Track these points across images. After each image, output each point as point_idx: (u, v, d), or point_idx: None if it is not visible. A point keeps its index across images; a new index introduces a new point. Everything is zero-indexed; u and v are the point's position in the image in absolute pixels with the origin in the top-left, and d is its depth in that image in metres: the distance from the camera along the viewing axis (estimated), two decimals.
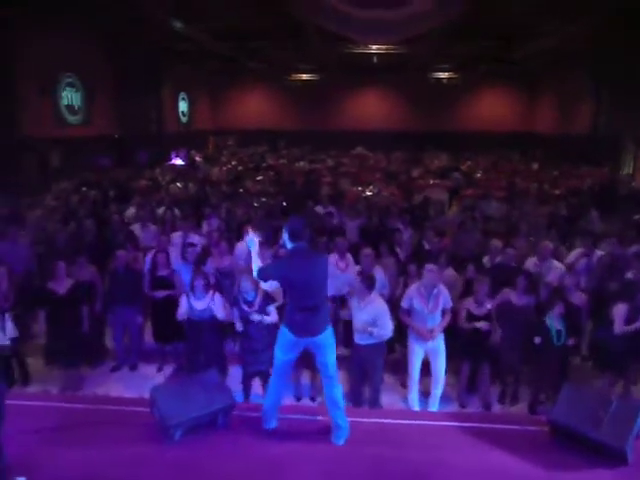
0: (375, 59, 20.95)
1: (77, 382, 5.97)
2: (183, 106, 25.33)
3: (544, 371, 5.42)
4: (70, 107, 16.17)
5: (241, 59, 21.14)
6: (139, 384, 5.99)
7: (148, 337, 6.65)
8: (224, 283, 6.40)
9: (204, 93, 28.41)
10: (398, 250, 7.09)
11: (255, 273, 3.92)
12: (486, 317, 5.45)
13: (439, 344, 5.31)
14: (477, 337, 5.43)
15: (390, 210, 9.20)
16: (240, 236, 7.98)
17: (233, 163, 20.47)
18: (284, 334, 3.87)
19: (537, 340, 5.33)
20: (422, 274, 5.33)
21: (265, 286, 4.20)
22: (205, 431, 3.93)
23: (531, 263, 6.53)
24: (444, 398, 5.59)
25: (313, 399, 5.77)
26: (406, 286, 5.59)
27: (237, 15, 14.61)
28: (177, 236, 7.61)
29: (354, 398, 5.35)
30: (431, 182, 15.34)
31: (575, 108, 21.76)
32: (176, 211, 9.35)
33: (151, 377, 6.21)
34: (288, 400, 5.62)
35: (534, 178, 16.07)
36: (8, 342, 5.39)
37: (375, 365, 5.23)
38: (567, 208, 10.40)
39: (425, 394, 5.58)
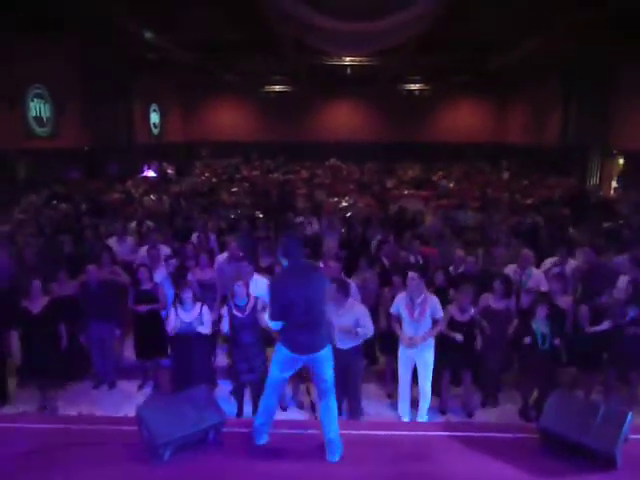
0: (348, 70, 21.13)
1: (52, 402, 5.75)
2: (155, 118, 25.05)
3: (531, 375, 5.50)
4: (38, 119, 15.80)
5: (214, 70, 21.07)
6: (118, 402, 5.84)
7: (129, 353, 6.48)
8: (206, 296, 6.30)
9: (176, 105, 28.17)
10: (385, 260, 7.09)
11: (270, 323, 3.85)
12: (469, 324, 5.48)
13: (427, 356, 5.31)
14: (459, 344, 5.43)
15: (371, 221, 9.24)
16: (222, 248, 7.93)
17: (207, 175, 20.31)
18: (281, 351, 3.79)
19: (527, 340, 5.42)
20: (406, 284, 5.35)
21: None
22: (195, 449, 3.83)
23: (511, 270, 6.63)
24: (432, 408, 5.60)
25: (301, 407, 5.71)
26: (393, 297, 5.58)
27: (208, 26, 14.57)
28: (163, 248, 7.48)
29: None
30: (406, 192, 15.48)
31: (545, 119, 22.34)
32: (149, 223, 9.20)
33: (132, 395, 6.05)
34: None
35: (505, 188, 16.41)
36: None
37: (357, 369, 5.22)
38: (544, 218, 10.61)
39: (414, 404, 5.56)
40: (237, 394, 5.53)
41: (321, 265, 6.46)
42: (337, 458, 3.79)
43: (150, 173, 20.44)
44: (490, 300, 5.79)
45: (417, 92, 27.06)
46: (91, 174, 17.73)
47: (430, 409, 5.55)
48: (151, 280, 6.17)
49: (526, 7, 11.75)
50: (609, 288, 6.16)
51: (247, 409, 5.47)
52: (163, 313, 6.00)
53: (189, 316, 5.32)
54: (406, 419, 5.45)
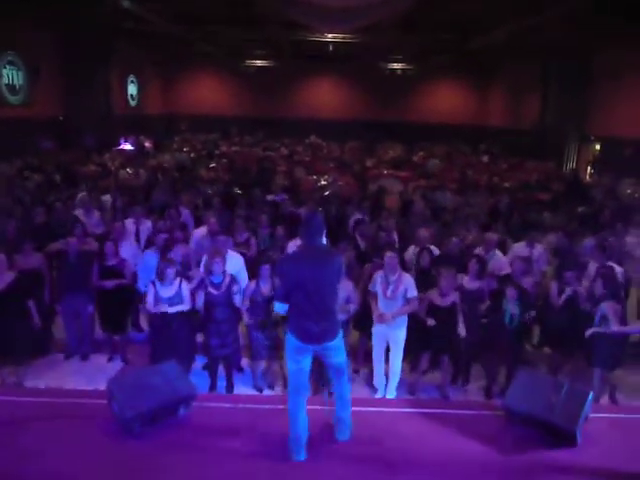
0: (331, 47, 20.88)
1: (20, 375, 5.69)
2: (132, 89, 24.49)
3: (498, 354, 5.62)
4: (11, 87, 15.34)
5: (194, 42, 20.62)
6: (90, 375, 5.82)
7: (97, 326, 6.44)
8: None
9: (155, 76, 27.55)
10: (359, 240, 7.11)
11: (276, 306, 3.66)
12: (450, 309, 5.48)
13: (399, 334, 5.37)
14: (438, 329, 5.42)
15: (350, 200, 9.24)
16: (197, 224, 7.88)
17: (185, 150, 20.02)
18: (290, 341, 3.58)
19: (496, 320, 5.55)
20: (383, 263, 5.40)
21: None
22: (166, 423, 3.84)
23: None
24: (403, 386, 5.70)
25: (271, 387, 5.74)
26: (371, 274, 5.62)
27: None
28: (129, 223, 7.41)
29: (314, 387, 5.36)
30: (385, 172, 15.47)
31: (524, 103, 22.46)
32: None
33: (104, 367, 6.02)
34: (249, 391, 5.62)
35: (485, 171, 16.53)
36: None
37: None
38: (515, 201, 10.73)
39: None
40: (210, 369, 5.55)
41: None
42: (346, 437, 3.78)
43: (127, 146, 20.07)
44: (464, 280, 5.86)
45: (399, 71, 26.93)
46: (66, 145, 17.34)
47: (401, 387, 5.65)
48: (116, 255, 6.10)
49: None
50: (579, 273, 6.23)
51: (221, 384, 5.53)
52: (142, 288, 5.95)
53: (168, 291, 5.27)
54: (381, 394, 5.54)
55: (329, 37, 18.88)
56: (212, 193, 10.43)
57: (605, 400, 5.41)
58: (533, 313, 5.62)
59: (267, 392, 5.62)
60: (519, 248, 7.05)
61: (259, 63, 26.91)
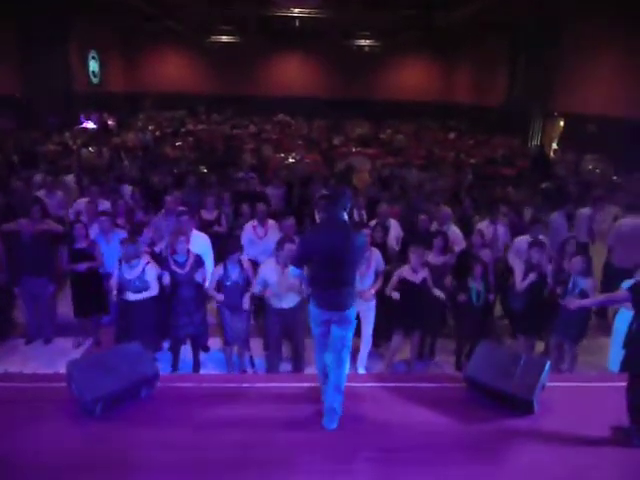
0: (297, 23, 20.57)
1: None
2: (94, 65, 23.71)
3: (466, 330, 5.76)
4: None
5: (156, 17, 20.01)
6: (52, 359, 5.72)
7: (64, 309, 6.31)
8: None
9: (117, 53, 26.74)
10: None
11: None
12: (422, 284, 5.52)
13: (370, 306, 5.48)
14: (410, 306, 5.46)
15: (313, 178, 9.19)
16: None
17: (150, 128, 19.58)
18: (311, 308, 3.86)
19: (461, 298, 5.65)
20: None
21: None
22: (128, 404, 3.81)
23: (432, 228, 6.73)
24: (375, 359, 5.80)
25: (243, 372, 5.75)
26: None
27: None
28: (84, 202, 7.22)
29: (271, 363, 5.41)
30: (353, 150, 15.44)
31: (490, 80, 22.60)
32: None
33: (67, 351, 5.92)
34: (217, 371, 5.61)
35: (451, 147, 16.65)
36: None
37: (300, 327, 5.26)
38: (480, 177, 10.88)
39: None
40: (173, 349, 5.53)
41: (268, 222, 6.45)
42: (335, 426, 3.76)
43: (90, 124, 19.52)
44: (429, 256, 5.92)
45: (367, 48, 26.73)
46: (24, 124, 16.74)
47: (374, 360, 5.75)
48: (86, 237, 5.96)
49: None
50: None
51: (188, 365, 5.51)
52: (109, 269, 5.84)
53: (133, 273, 5.18)
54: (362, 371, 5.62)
55: (295, 12, 18.59)
56: (178, 172, 10.25)
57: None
58: (492, 297, 5.75)
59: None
60: (482, 226, 7.12)
61: (225, 39, 26.31)
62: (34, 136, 15.00)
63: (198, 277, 5.31)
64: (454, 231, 6.71)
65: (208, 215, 7.18)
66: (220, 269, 5.28)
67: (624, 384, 3.71)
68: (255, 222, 6.47)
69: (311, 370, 5.45)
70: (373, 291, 5.44)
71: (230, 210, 7.46)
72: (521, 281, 5.61)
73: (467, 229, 6.99)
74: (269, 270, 5.13)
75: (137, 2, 17.04)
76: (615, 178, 12.00)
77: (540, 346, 6.03)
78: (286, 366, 5.53)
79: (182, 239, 5.33)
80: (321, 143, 16.67)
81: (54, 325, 6.28)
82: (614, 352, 5.00)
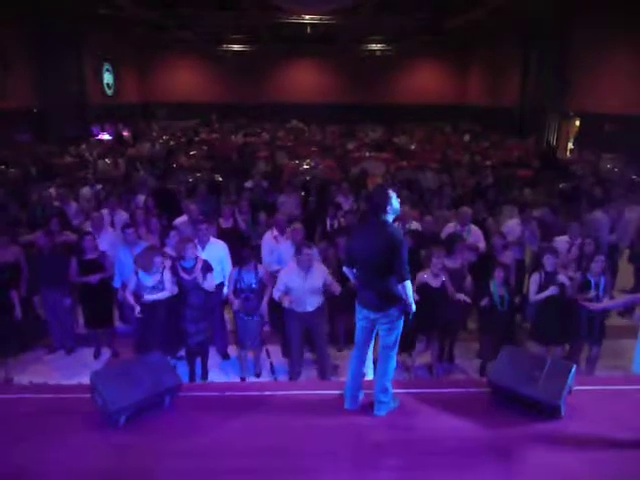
0: (308, 29, 20.64)
1: (8, 371, 5.61)
2: (108, 77, 24.02)
3: (491, 336, 5.64)
4: None
5: (169, 28, 20.23)
6: (74, 369, 5.75)
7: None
8: None
9: (131, 64, 27.06)
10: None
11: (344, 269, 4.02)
12: (441, 289, 5.47)
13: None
14: (431, 310, 5.32)
15: (329, 184, 9.19)
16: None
17: (165, 138, 19.76)
18: (357, 305, 3.92)
19: (485, 302, 5.54)
20: None
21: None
22: (151, 414, 3.81)
23: (451, 227, 6.73)
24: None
25: (258, 375, 5.73)
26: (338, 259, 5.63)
27: None
28: (105, 214, 7.29)
29: (294, 370, 5.38)
30: (367, 155, 15.42)
31: (504, 81, 22.45)
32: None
33: (88, 362, 5.96)
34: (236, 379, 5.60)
35: (466, 150, 16.54)
36: None
37: (321, 330, 5.27)
38: (497, 179, 10.76)
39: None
40: (188, 360, 5.47)
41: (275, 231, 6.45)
42: (383, 413, 3.90)
43: (105, 136, 19.75)
44: (446, 260, 5.86)
45: (378, 53, 26.75)
46: (42, 137, 16.99)
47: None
48: (96, 249, 5.97)
49: None
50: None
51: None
52: (118, 282, 5.87)
53: (152, 280, 5.18)
54: (370, 377, 5.54)
55: (306, 19, 18.66)
56: (194, 181, 10.31)
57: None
58: (518, 300, 5.69)
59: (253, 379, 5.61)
60: (512, 225, 7.02)
61: (236, 47, 26.53)
62: (50, 149, 15.21)
63: (205, 284, 5.22)
64: (475, 231, 6.67)
65: (224, 223, 7.21)
66: (235, 273, 5.28)
67: None
68: (275, 231, 6.48)
69: (334, 377, 5.45)
70: None
71: (248, 218, 7.47)
72: (535, 293, 5.47)
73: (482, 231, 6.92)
74: (290, 275, 5.12)
75: (146, 13, 17.24)
76: (635, 177, 11.81)
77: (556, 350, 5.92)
78: (307, 372, 5.49)
79: (189, 245, 5.29)
80: (335, 149, 16.66)
81: (75, 335, 6.32)
82: (639, 354, 4.90)
